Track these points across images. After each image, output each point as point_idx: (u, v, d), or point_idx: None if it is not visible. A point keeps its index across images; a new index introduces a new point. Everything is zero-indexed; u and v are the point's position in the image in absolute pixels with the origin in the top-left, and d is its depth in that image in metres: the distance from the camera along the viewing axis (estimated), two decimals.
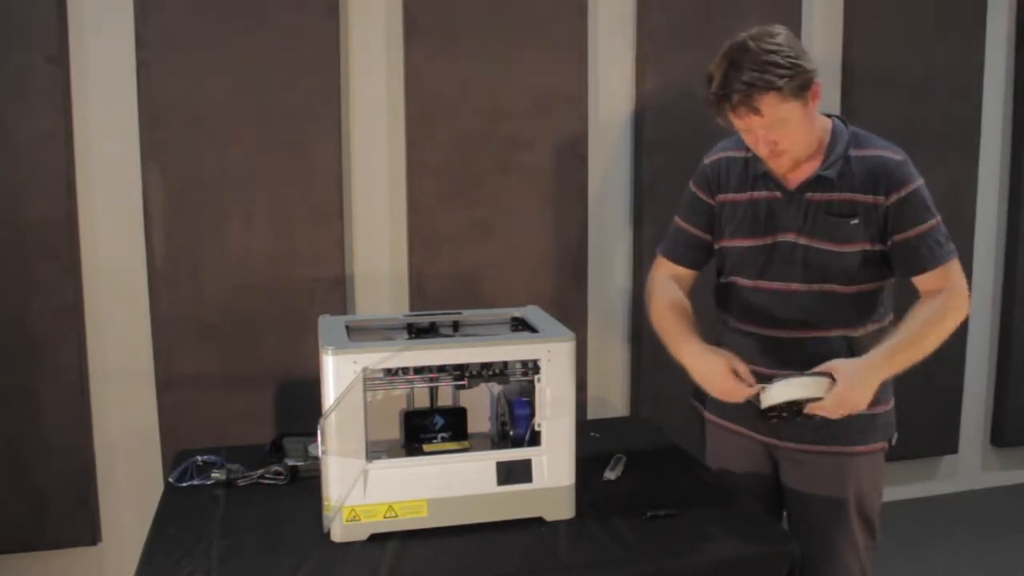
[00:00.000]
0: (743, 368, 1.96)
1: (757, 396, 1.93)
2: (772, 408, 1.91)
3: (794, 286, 2.03)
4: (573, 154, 3.32)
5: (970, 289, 2.05)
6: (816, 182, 1.98)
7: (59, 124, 2.88)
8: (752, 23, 1.97)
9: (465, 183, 3.22)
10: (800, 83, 1.85)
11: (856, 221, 1.96)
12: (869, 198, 1.96)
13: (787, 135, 1.89)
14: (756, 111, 1.84)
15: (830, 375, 1.89)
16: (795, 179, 2.01)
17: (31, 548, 3.04)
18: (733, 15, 3.35)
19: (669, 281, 2.19)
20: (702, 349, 2.02)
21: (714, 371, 1.97)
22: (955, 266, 2.00)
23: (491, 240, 3.26)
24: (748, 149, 2.04)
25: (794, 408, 1.90)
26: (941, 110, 3.67)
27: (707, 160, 2.16)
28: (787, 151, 1.93)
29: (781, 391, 1.88)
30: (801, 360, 2.01)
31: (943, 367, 3.79)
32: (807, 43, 3.49)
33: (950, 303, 1.96)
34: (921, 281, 2.00)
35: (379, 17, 3.16)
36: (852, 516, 2.09)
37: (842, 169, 1.97)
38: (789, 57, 1.83)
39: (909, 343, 1.94)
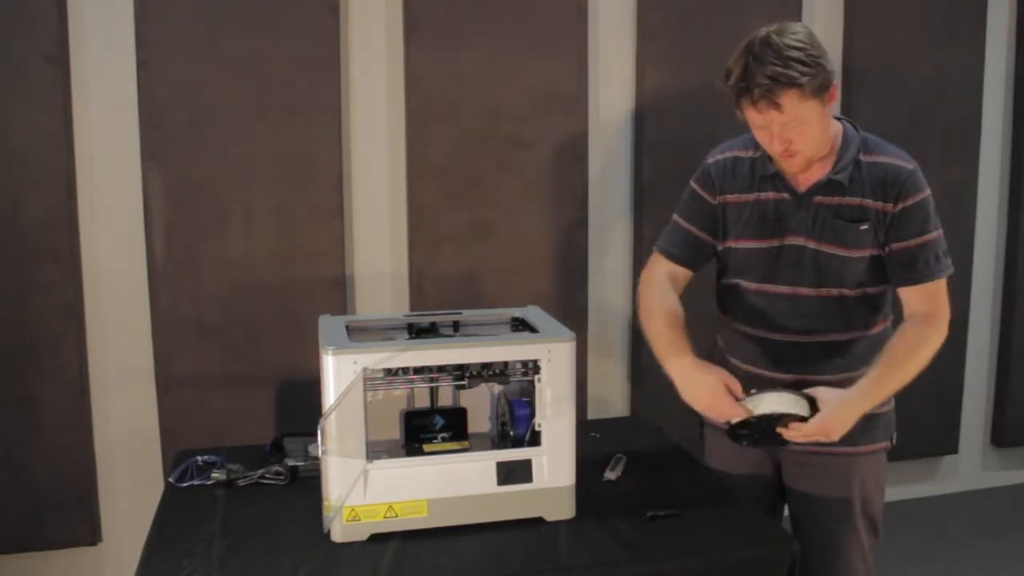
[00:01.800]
0: (736, 384, 1.93)
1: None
2: (746, 423, 1.89)
3: (801, 290, 2.02)
4: (573, 154, 3.32)
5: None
6: (826, 186, 1.97)
7: (59, 124, 2.88)
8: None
9: (465, 183, 3.22)
10: (821, 82, 1.84)
11: (866, 227, 1.95)
12: (879, 204, 1.95)
13: (803, 135, 1.88)
14: (777, 106, 1.83)
15: (811, 398, 1.89)
16: (805, 181, 1.99)
17: (31, 548, 3.04)
18: (733, 15, 3.35)
19: (664, 283, 2.14)
20: (693, 363, 1.97)
21: (706, 387, 1.93)
22: (942, 285, 1.98)
23: (491, 240, 3.26)
24: (755, 149, 2.03)
25: (770, 426, 1.89)
26: (941, 110, 3.67)
27: (711, 159, 2.13)
28: (801, 151, 1.91)
29: (771, 402, 1.88)
30: (805, 363, 2.02)
31: (943, 367, 3.76)
32: None
33: (931, 329, 1.96)
34: (907, 293, 1.99)
35: (379, 17, 3.16)
36: (857, 516, 2.09)
37: (853, 174, 1.96)
38: (812, 55, 1.82)
39: (892, 373, 1.94)
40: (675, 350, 1.99)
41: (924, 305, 1.98)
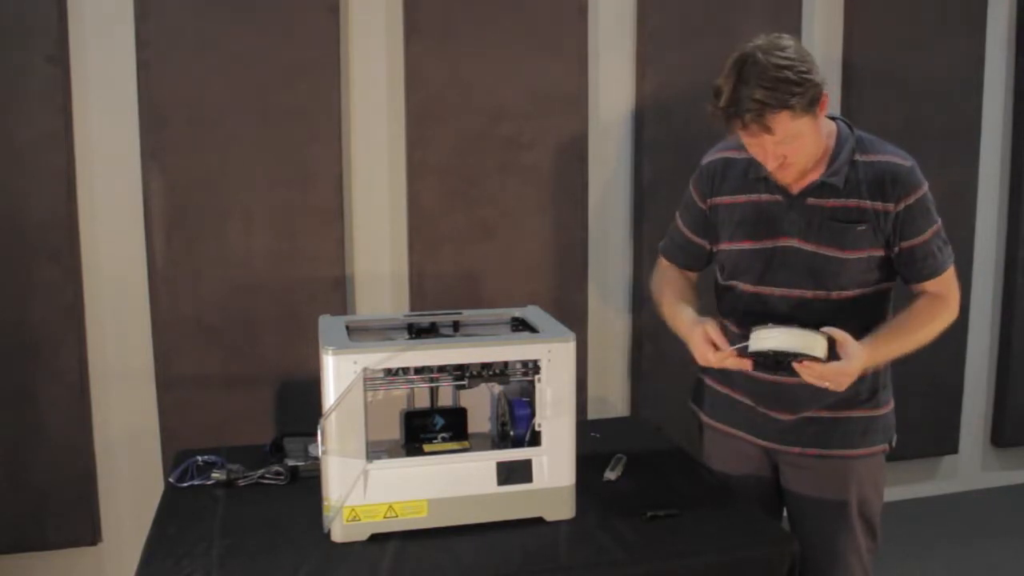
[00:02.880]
0: (715, 334, 1.92)
1: (745, 343, 1.89)
2: (759, 354, 1.87)
3: (797, 292, 2.01)
4: (573, 154, 3.32)
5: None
6: (820, 188, 1.96)
7: (59, 124, 2.88)
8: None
9: (465, 183, 3.22)
10: (811, 98, 1.82)
11: (863, 227, 1.95)
12: (878, 205, 1.94)
13: (797, 148, 1.87)
14: (768, 130, 1.81)
15: (827, 337, 1.85)
16: (798, 184, 1.98)
17: (31, 548, 3.04)
18: (733, 15, 3.34)
19: (671, 271, 2.24)
20: (687, 320, 2.02)
21: (692, 340, 1.96)
22: (952, 272, 2.02)
23: (491, 240, 3.26)
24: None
25: (783, 359, 1.87)
26: (941, 110, 3.67)
27: (705, 161, 2.14)
28: (795, 163, 1.90)
29: (777, 338, 1.84)
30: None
31: (943, 367, 3.79)
32: (807, 43, 3.49)
33: (943, 306, 2.00)
34: (918, 286, 2.02)
35: (379, 17, 3.16)
36: (854, 519, 2.09)
37: (848, 175, 1.95)
38: (801, 72, 1.79)
39: (902, 336, 1.96)
40: (675, 312, 2.08)
41: (935, 289, 2.01)
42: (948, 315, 2.01)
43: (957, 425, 3.98)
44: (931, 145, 3.54)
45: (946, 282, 2.01)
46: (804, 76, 1.80)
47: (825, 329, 1.85)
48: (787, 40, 1.85)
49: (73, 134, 2.92)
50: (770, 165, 1.91)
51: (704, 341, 1.92)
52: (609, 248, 3.49)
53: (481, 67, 3.18)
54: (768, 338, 1.85)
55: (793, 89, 1.78)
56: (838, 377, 1.86)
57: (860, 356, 1.85)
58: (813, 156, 1.93)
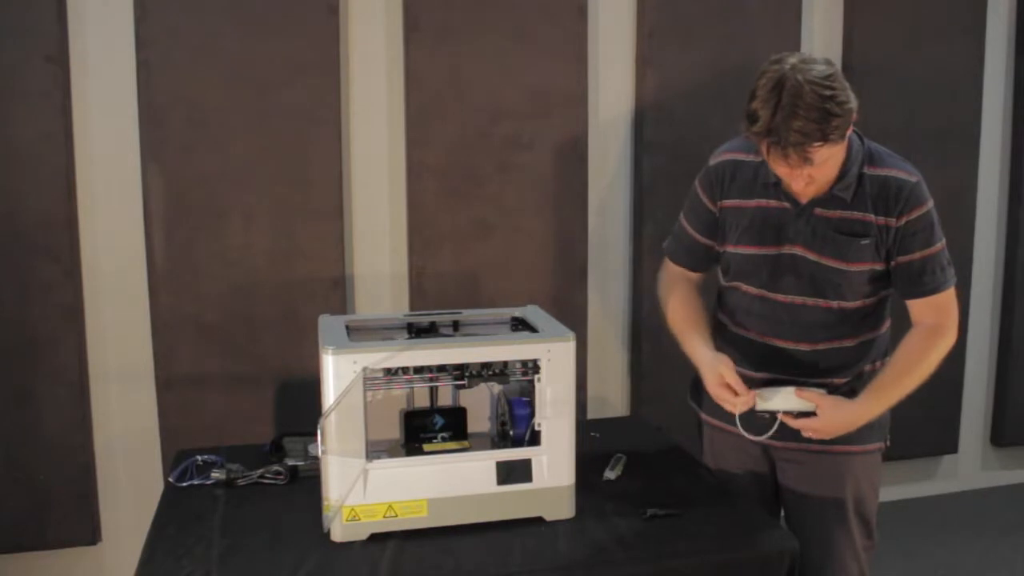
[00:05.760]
0: (732, 378, 1.97)
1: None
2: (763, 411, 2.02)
3: (799, 299, 2.01)
4: (573, 154, 3.32)
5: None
6: (829, 199, 1.96)
7: (59, 124, 2.88)
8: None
9: (465, 183, 3.22)
10: (848, 125, 1.81)
11: (867, 241, 1.95)
12: (881, 219, 1.94)
13: (826, 170, 1.88)
14: (809, 160, 1.79)
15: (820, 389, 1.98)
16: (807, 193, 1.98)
17: (31, 548, 3.04)
18: (733, 15, 3.34)
19: (677, 278, 2.22)
20: (704, 353, 2.05)
21: (708, 381, 2.02)
22: (950, 295, 2.00)
23: (491, 240, 3.26)
24: (758, 153, 2.00)
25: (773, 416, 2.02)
26: (941, 110, 3.67)
27: (713, 161, 2.12)
28: (821, 181, 1.91)
29: (779, 401, 1.99)
30: (798, 370, 2.03)
31: (943, 367, 3.77)
32: (807, 43, 3.50)
33: (939, 337, 1.99)
34: (915, 305, 2.00)
35: (379, 17, 3.16)
36: (850, 516, 2.09)
37: (856, 188, 1.95)
38: (841, 101, 1.77)
39: (897, 381, 1.98)
40: (690, 337, 2.11)
41: (932, 316, 1.99)
42: (945, 344, 1.99)
43: (957, 424, 3.98)
44: (931, 145, 3.55)
45: (943, 304, 1.99)
46: (844, 105, 1.78)
47: (812, 395, 1.97)
48: (822, 63, 1.82)
49: (73, 134, 2.92)
50: (797, 186, 1.91)
51: (721, 385, 1.98)
52: (609, 248, 3.49)
53: (481, 67, 3.18)
54: (773, 401, 1.99)
55: (837, 121, 1.77)
56: (820, 432, 1.97)
57: (837, 413, 1.96)
58: (836, 172, 1.93)
